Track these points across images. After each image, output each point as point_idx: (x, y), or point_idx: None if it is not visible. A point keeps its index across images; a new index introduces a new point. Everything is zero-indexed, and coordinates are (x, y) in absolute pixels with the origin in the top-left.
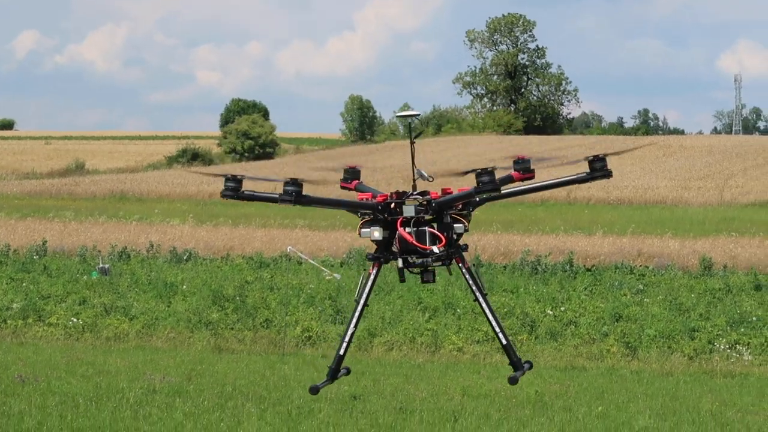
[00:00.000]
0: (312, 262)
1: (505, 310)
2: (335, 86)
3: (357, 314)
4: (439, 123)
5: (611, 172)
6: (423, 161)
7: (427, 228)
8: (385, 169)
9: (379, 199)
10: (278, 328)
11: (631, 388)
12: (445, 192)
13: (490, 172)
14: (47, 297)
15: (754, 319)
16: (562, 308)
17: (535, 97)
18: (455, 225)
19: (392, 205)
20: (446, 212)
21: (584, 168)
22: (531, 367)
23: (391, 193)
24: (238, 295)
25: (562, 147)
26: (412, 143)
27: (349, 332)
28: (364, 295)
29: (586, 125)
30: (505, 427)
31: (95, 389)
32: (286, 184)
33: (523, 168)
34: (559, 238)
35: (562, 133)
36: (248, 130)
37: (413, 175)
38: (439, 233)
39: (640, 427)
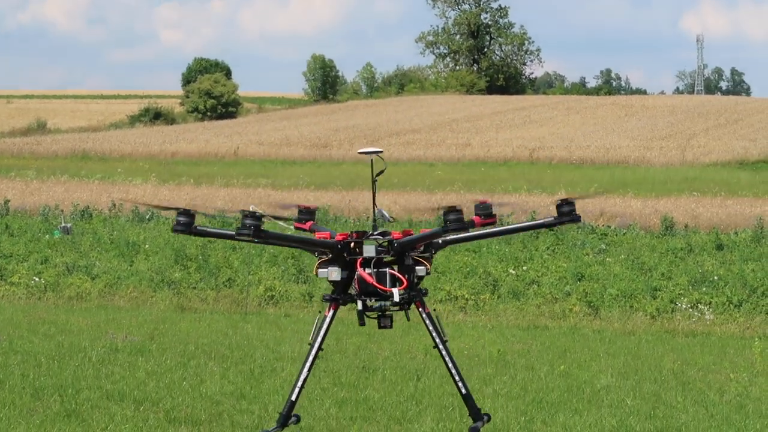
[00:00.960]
0: (277, 221)
1: (468, 269)
2: (299, 45)
3: (311, 359)
4: (402, 82)
5: (579, 216)
6: (386, 121)
7: (388, 269)
8: (348, 128)
9: (338, 237)
10: (241, 287)
11: (594, 347)
12: (406, 233)
13: (457, 210)
14: (9, 256)
15: (715, 278)
16: (525, 268)
17: (497, 57)
18: (417, 267)
19: (352, 244)
20: (408, 254)
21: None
22: (489, 419)
23: (351, 232)
24: (201, 254)
25: (525, 107)
26: (373, 181)
27: (302, 377)
28: (319, 339)
29: (549, 85)
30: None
31: (57, 348)
32: (245, 217)
33: (485, 213)
34: (522, 197)
35: (524, 93)
36: (210, 89)
37: (374, 215)
38: (400, 275)
39: (602, 386)
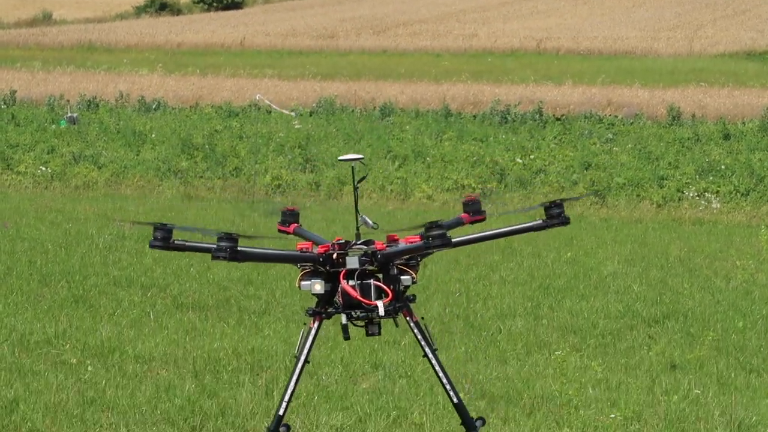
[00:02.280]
0: (281, 110)
1: (474, 158)
2: None
3: (297, 372)
4: None
5: (569, 218)
6: (393, 11)
7: (372, 281)
8: (355, 18)
9: (320, 250)
10: (248, 176)
11: (600, 234)
12: (390, 239)
13: (440, 225)
14: (15, 146)
15: (722, 167)
16: (532, 157)
17: None
18: (402, 277)
19: (334, 256)
20: (393, 263)
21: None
22: (484, 423)
23: (333, 243)
24: (208, 143)
25: None
26: (355, 189)
27: (289, 391)
28: (305, 352)
29: None
30: (474, 272)
31: (64, 235)
32: (220, 239)
33: (474, 210)
34: (529, 88)
35: None
36: None
37: (356, 223)
38: (385, 287)
39: (609, 272)
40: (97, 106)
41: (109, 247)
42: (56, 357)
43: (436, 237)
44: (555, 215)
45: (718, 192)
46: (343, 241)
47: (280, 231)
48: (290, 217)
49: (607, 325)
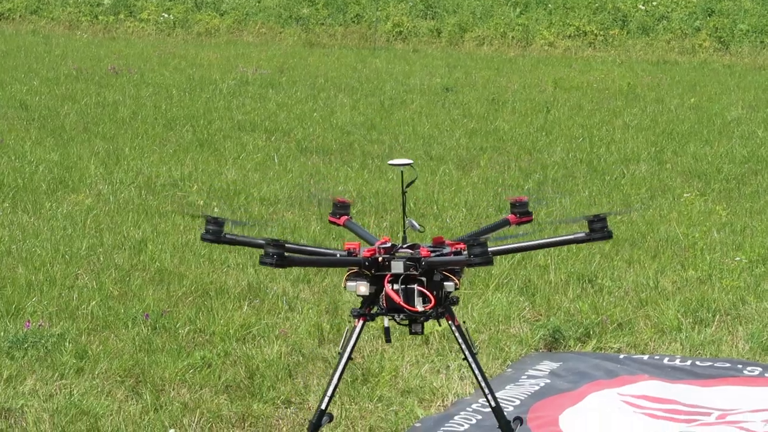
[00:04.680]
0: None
1: (597, 5)
2: None
3: (341, 368)
4: None
5: (611, 233)
6: None
7: (416, 286)
8: None
9: (366, 253)
10: (369, 23)
11: (724, 81)
12: (436, 242)
13: (482, 243)
14: None
15: None
16: (654, 3)
17: None
18: (446, 283)
19: (380, 259)
20: (437, 270)
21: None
22: (522, 422)
23: (379, 246)
24: None
25: None
26: (403, 193)
27: (333, 386)
28: (348, 349)
29: None
30: (597, 117)
31: (188, 81)
32: (267, 245)
33: (521, 211)
34: None
35: None
36: None
37: (404, 227)
38: (428, 292)
39: (733, 118)
40: None
41: (233, 93)
42: (182, 199)
43: (477, 255)
44: (597, 229)
45: None
46: (389, 244)
47: (330, 222)
48: (341, 208)
49: (732, 170)
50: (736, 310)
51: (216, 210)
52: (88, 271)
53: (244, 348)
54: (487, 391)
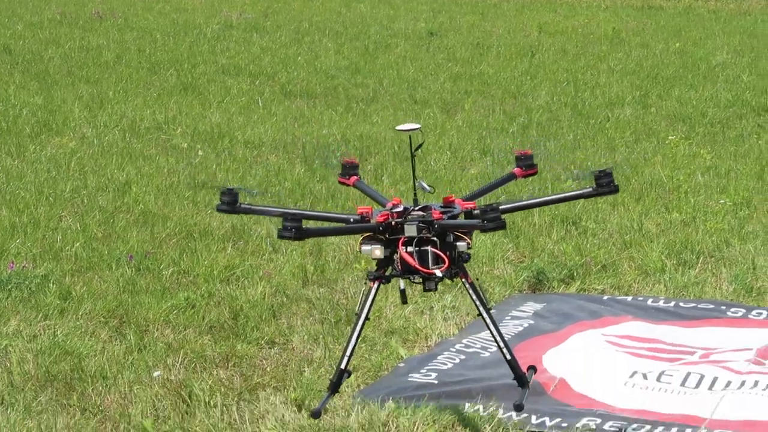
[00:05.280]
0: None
1: None
2: None
3: (358, 328)
4: None
5: (618, 187)
6: None
7: (429, 248)
8: None
9: (379, 219)
10: None
11: (709, 26)
12: (447, 201)
13: (495, 208)
14: None
15: None
16: None
17: None
18: (458, 243)
19: (393, 223)
20: (449, 231)
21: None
22: (535, 371)
23: (391, 210)
24: None
25: None
26: (413, 156)
27: (351, 346)
28: (365, 310)
29: None
30: (582, 62)
31: (172, 25)
32: (285, 219)
33: (526, 164)
34: None
35: None
36: None
37: (414, 189)
38: (441, 253)
39: (718, 62)
40: None
41: (217, 37)
42: (166, 142)
43: (490, 220)
44: (604, 184)
45: None
46: (401, 207)
47: (340, 183)
48: (350, 169)
49: (716, 114)
50: (719, 252)
51: (200, 152)
52: (72, 213)
53: (228, 289)
54: (502, 344)
